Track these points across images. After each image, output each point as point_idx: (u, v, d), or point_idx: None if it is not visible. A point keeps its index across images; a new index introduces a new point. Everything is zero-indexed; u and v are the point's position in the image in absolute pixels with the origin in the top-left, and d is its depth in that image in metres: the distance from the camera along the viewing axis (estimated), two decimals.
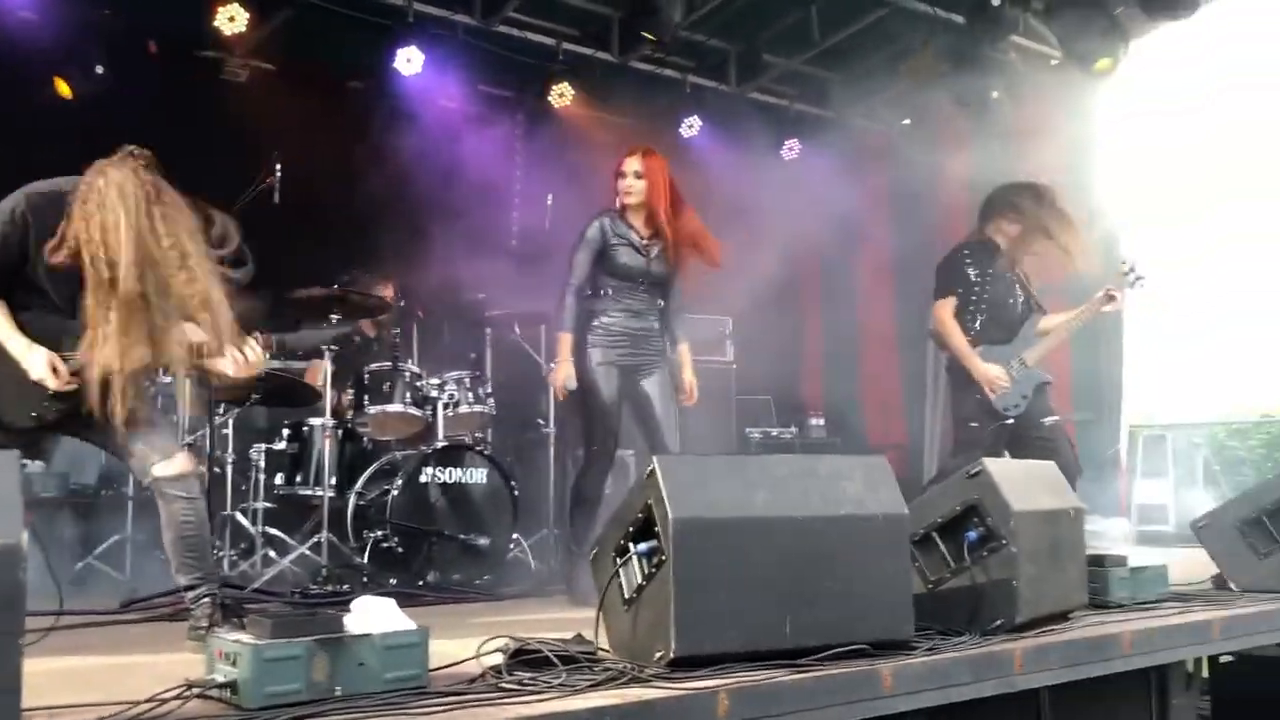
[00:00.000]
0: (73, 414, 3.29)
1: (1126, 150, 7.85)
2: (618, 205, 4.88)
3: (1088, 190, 6.64)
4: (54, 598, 3.17)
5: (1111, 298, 5.22)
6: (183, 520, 3.29)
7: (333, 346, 5.35)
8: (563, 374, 4.73)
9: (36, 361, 3.19)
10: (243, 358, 3.30)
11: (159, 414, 3.44)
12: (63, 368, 3.20)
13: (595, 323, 4.79)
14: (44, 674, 2.80)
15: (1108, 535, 6.94)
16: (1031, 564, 3.31)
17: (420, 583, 5.15)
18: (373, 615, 2.55)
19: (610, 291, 4.81)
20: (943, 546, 3.39)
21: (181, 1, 6.71)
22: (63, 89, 6.35)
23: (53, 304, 3.24)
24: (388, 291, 6.53)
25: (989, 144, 8.08)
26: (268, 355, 5.73)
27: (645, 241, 4.85)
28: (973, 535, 3.32)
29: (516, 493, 5.71)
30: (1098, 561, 3.94)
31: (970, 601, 3.28)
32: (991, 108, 7.96)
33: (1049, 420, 5.19)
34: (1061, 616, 3.54)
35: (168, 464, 3.27)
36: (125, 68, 6.55)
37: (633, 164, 4.84)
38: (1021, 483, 3.46)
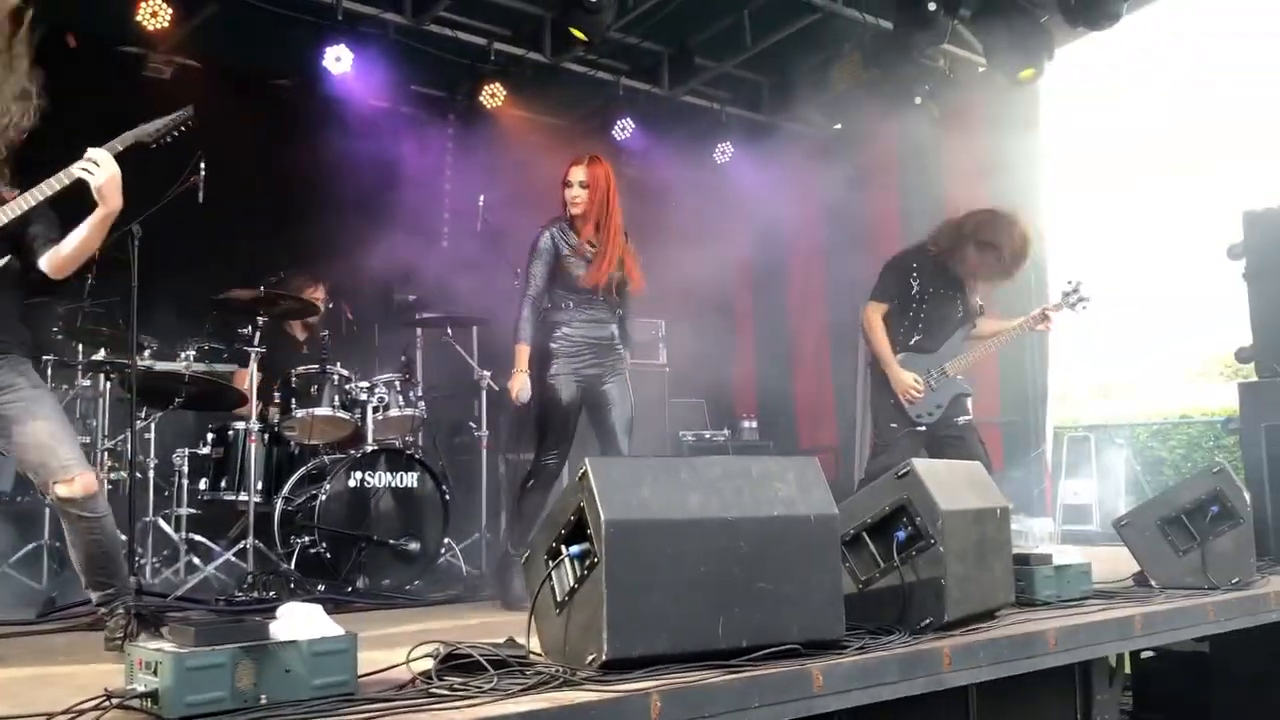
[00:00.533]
0: None
1: (1054, 157, 8.00)
2: (566, 214, 4.84)
3: (1017, 196, 6.75)
4: None
5: (1046, 318, 5.34)
6: (90, 539, 3.19)
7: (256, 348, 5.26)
8: (518, 384, 4.68)
9: None
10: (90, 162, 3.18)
11: (62, 419, 3.29)
12: None
13: (558, 333, 4.74)
14: None
15: (1033, 534, 7.07)
16: (959, 563, 3.35)
17: (349, 589, 5.08)
18: (300, 621, 2.51)
19: (571, 304, 4.77)
20: (872, 546, 3.42)
21: None
22: None
23: None
24: (317, 293, 6.44)
25: (919, 149, 8.23)
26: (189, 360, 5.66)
27: (594, 251, 4.81)
28: (901, 535, 3.35)
29: (448, 497, 5.65)
30: (1023, 560, 4.01)
31: (899, 600, 3.32)
32: (920, 113, 8.08)
33: (962, 419, 5.27)
34: (988, 615, 3.60)
35: (69, 485, 3.14)
36: (43, 60, 6.37)
37: (578, 173, 4.80)
38: (949, 483, 3.51)
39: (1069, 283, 5.46)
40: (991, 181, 6.88)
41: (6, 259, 3.20)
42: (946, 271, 5.30)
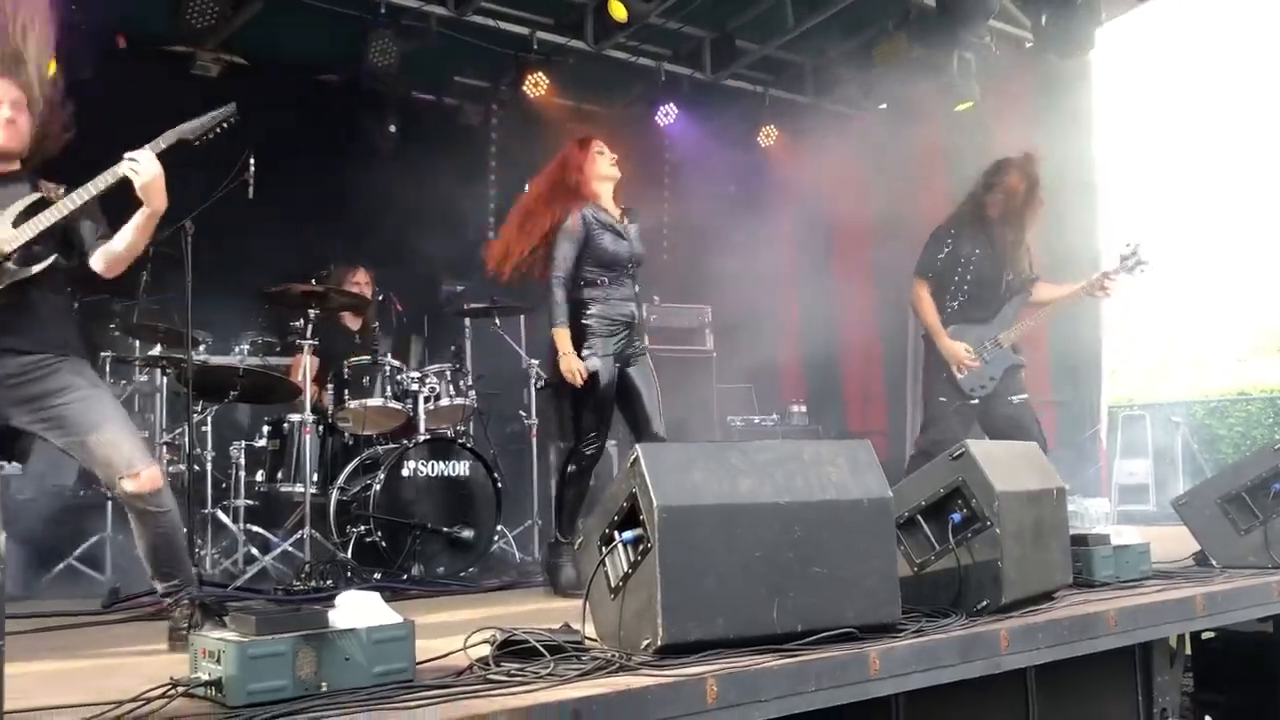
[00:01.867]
0: (32, 385, 3.19)
1: (1107, 130, 7.87)
2: (590, 189, 4.79)
3: (1066, 171, 6.65)
4: (35, 599, 3.13)
5: (1104, 286, 5.23)
6: (156, 533, 3.24)
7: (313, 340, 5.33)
8: (573, 365, 4.56)
9: None
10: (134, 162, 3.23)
11: (123, 416, 3.34)
12: None
13: (591, 311, 4.66)
14: (27, 675, 2.78)
15: (1089, 515, 6.98)
16: (1016, 544, 3.32)
17: (405, 577, 5.13)
18: (358, 609, 2.54)
19: (605, 280, 4.70)
20: (927, 529, 3.40)
21: None
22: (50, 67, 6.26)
23: None
24: (360, 280, 6.49)
25: (965, 127, 8.12)
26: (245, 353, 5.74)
27: (624, 224, 4.80)
28: (957, 517, 3.33)
29: (500, 485, 5.69)
30: (1081, 541, 3.96)
31: (956, 583, 3.30)
32: (966, 90, 7.97)
33: (1016, 398, 5.21)
34: (1046, 596, 3.56)
35: (135, 480, 3.18)
36: (93, 62, 6.47)
37: (601, 145, 4.80)
38: (1005, 464, 3.48)
39: (1127, 245, 5.31)
40: (1041, 154, 6.77)
41: (53, 258, 3.25)
42: (979, 232, 5.26)
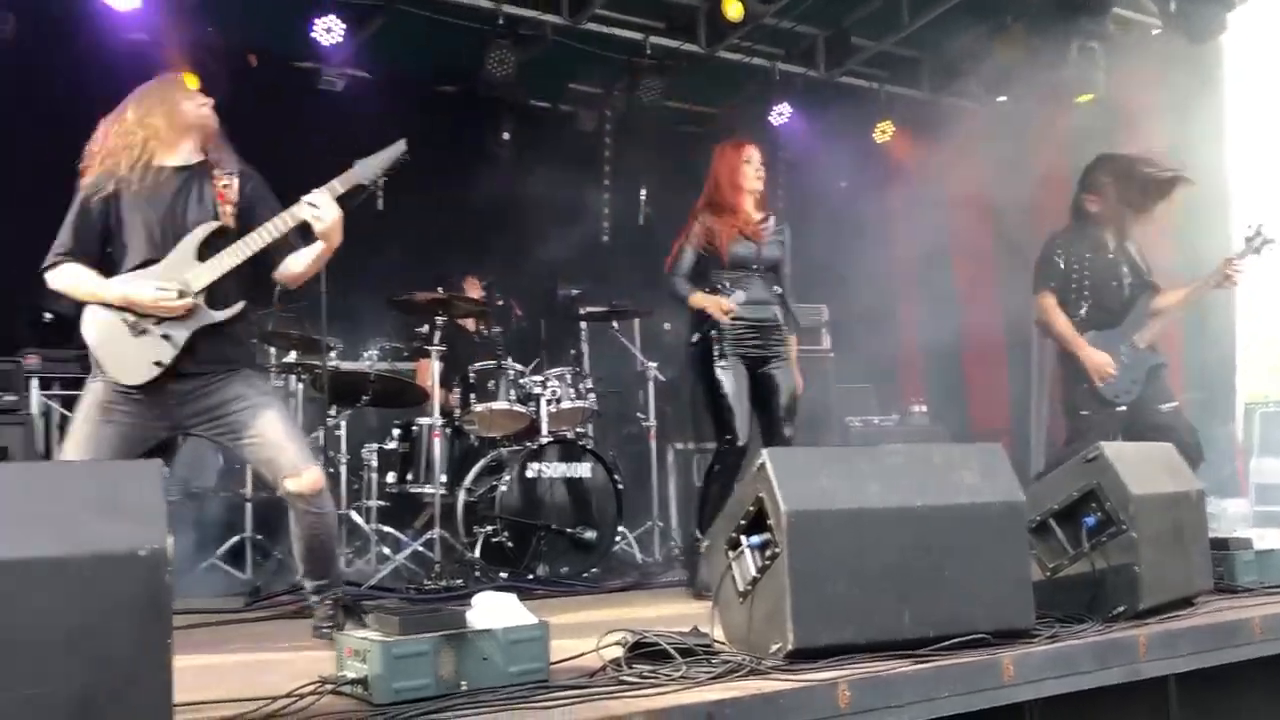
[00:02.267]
0: (206, 395, 3.37)
1: (1241, 118, 7.56)
2: (731, 197, 4.84)
3: (1197, 160, 6.41)
4: (181, 597, 3.28)
5: (1229, 275, 5.02)
6: (312, 533, 3.38)
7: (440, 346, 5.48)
8: (716, 301, 4.67)
9: (140, 289, 3.27)
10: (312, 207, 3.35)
11: (288, 420, 3.51)
12: (168, 285, 3.29)
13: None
14: (183, 670, 2.91)
15: (1227, 516, 6.72)
16: (1153, 549, 3.24)
17: (530, 577, 5.23)
18: (495, 610, 2.61)
19: (728, 283, 4.76)
20: (1060, 533, 3.34)
21: (280, 15, 6.88)
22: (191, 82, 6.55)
23: None
24: (475, 291, 6.64)
25: (1090, 118, 7.89)
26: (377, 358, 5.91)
27: (755, 227, 4.83)
28: (1091, 521, 3.27)
29: (620, 486, 5.76)
30: (1221, 545, 3.84)
31: (1090, 588, 3.23)
32: (1091, 80, 7.75)
33: (1167, 406, 5.00)
34: (1185, 602, 3.46)
35: (299, 480, 3.33)
36: (228, 81, 6.75)
37: (754, 152, 4.90)
38: (1140, 466, 3.39)
39: (1249, 227, 5.11)
40: (1171, 143, 6.54)
41: (241, 305, 3.43)
42: (1086, 235, 5.12)
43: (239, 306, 3.42)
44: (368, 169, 3.49)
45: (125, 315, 3.28)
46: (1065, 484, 3.36)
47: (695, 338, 4.80)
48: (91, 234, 3.34)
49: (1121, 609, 3.18)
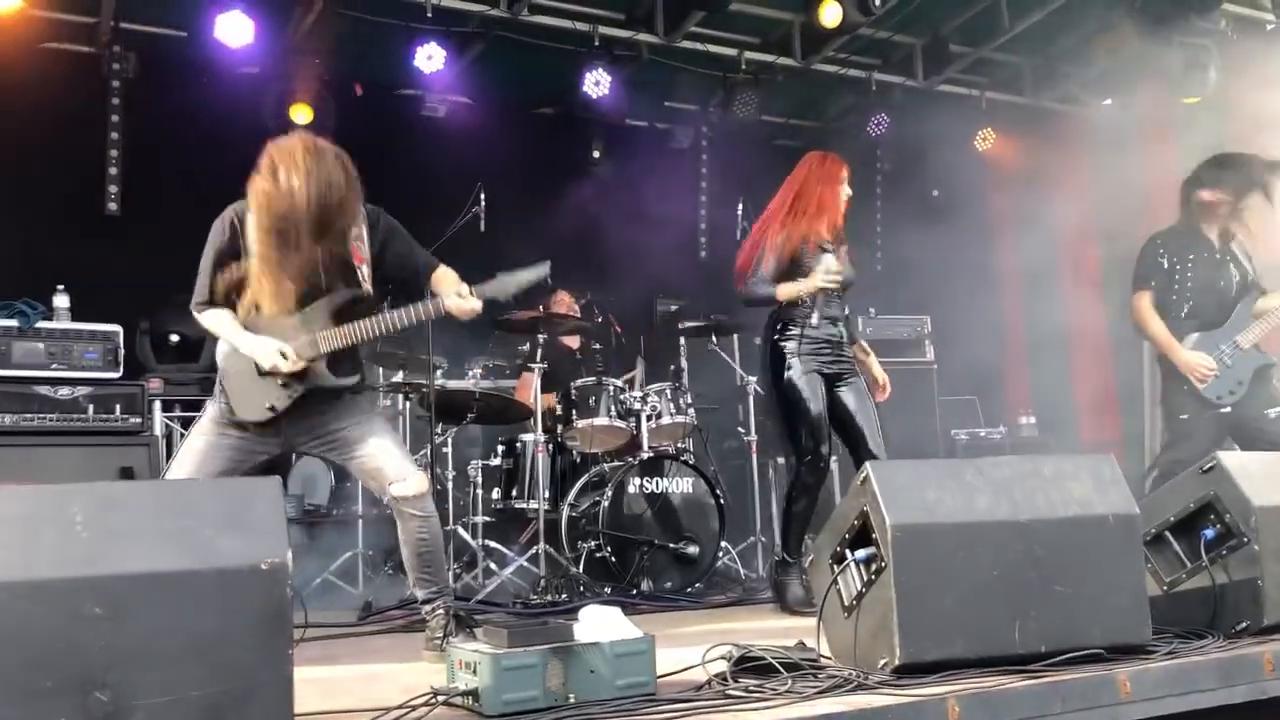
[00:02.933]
0: (315, 420, 3.51)
1: None
2: (830, 203, 4.84)
3: None
4: (298, 611, 3.38)
5: None
6: (419, 538, 3.48)
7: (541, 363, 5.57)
8: (806, 284, 4.68)
9: (266, 352, 3.42)
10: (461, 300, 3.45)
11: (392, 433, 3.64)
12: (290, 352, 3.42)
13: (796, 330, 4.74)
14: (300, 682, 3.01)
15: None
16: (1277, 562, 3.13)
17: (634, 591, 5.27)
18: (601, 623, 2.64)
19: (808, 300, 4.77)
20: (1177, 546, 3.25)
21: (384, 45, 7.08)
22: (305, 112, 6.79)
23: None
24: (566, 306, 6.71)
25: (1199, 120, 7.66)
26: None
27: (834, 246, 4.82)
28: (1210, 533, 3.18)
29: (722, 501, 5.76)
30: None
31: (1211, 603, 3.14)
32: (1201, 81, 7.52)
33: (1274, 412, 4.83)
34: None
35: (404, 485, 3.47)
36: (335, 110, 6.97)
37: (845, 174, 4.89)
38: (1261, 476, 3.28)
39: None
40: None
41: (356, 378, 3.58)
42: (1191, 235, 4.97)
43: (355, 379, 3.58)
44: (509, 284, 3.55)
45: None
46: (1181, 495, 3.27)
47: (771, 349, 4.80)
48: (227, 282, 3.49)
49: (1245, 624, 3.08)
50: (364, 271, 3.53)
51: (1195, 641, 2.99)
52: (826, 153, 4.99)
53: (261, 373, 3.44)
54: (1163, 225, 5.26)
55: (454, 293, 3.48)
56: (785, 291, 4.73)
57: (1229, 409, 4.83)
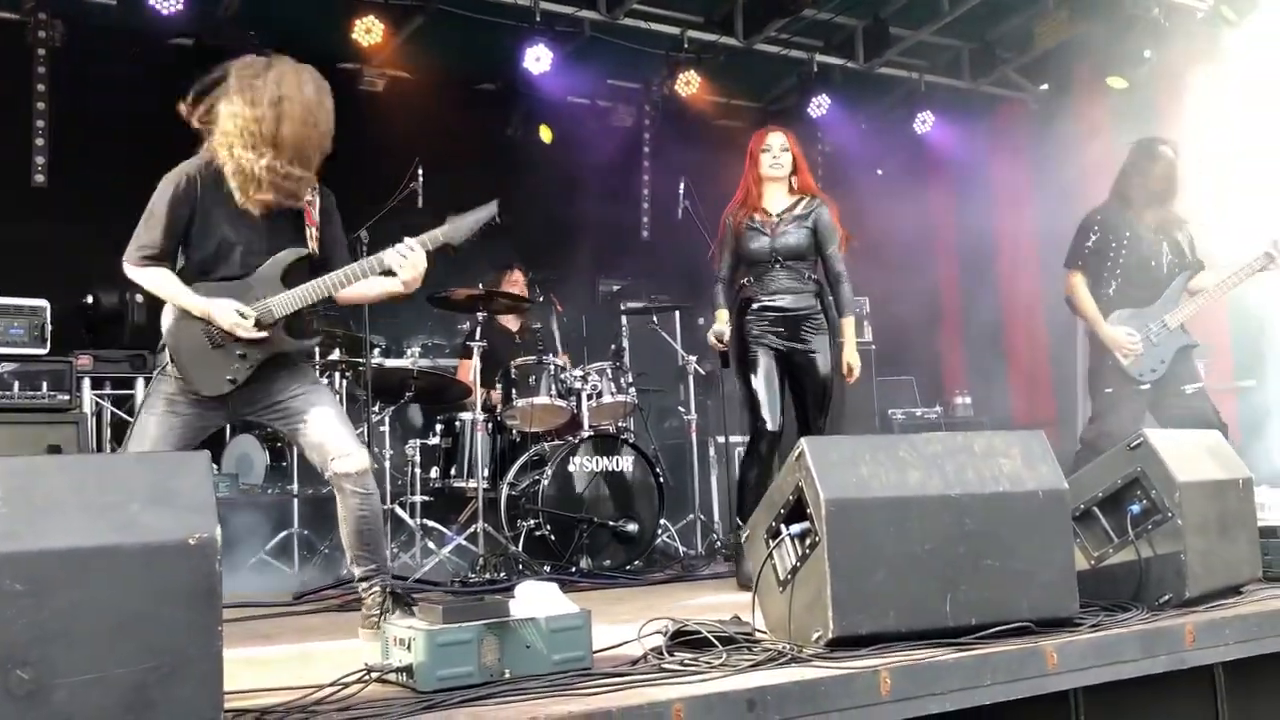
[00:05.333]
0: (262, 388, 3.43)
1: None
2: (753, 191, 4.86)
3: (1239, 144, 6.33)
4: (233, 590, 3.33)
5: (1270, 258, 4.94)
6: (359, 515, 3.43)
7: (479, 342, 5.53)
8: (714, 331, 4.82)
9: (223, 309, 3.31)
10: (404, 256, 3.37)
11: (338, 407, 3.58)
12: (249, 312, 3.32)
13: (750, 306, 4.80)
14: (233, 661, 2.96)
15: (1277, 505, 6.60)
16: (1200, 537, 3.21)
17: (573, 569, 5.27)
18: (537, 599, 2.64)
19: (753, 279, 4.81)
20: (1105, 521, 3.31)
21: (320, 18, 6.96)
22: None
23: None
24: (519, 284, 6.68)
25: (1133, 105, 7.79)
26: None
27: (773, 218, 4.82)
28: (1136, 509, 3.24)
29: (662, 479, 5.78)
30: (1271, 533, 3.78)
31: (1136, 577, 3.21)
32: (1134, 65, 7.65)
33: (1191, 388, 4.96)
34: (1233, 591, 3.42)
35: (346, 461, 3.40)
36: None
37: (776, 138, 4.87)
38: (1186, 453, 3.36)
39: None
40: (1214, 130, 6.45)
41: (317, 339, 3.49)
42: (1125, 215, 5.07)
43: (315, 340, 3.54)
44: (458, 230, 3.50)
45: (207, 327, 3.34)
46: (1109, 471, 3.33)
47: (735, 324, 4.86)
48: (177, 231, 3.34)
49: (1168, 597, 3.15)
50: (312, 233, 3.46)
51: (1120, 614, 3.05)
52: (757, 132, 5.01)
53: (215, 344, 3.33)
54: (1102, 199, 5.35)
55: (395, 249, 3.38)
56: (720, 313, 4.87)
57: (1148, 385, 4.95)
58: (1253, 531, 3.58)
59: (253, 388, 3.42)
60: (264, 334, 3.34)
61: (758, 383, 4.73)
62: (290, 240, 3.43)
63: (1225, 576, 3.37)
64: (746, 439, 4.88)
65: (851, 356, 4.88)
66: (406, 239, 3.40)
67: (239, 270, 3.37)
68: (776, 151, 4.85)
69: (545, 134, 8.04)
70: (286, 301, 3.38)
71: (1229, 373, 7.50)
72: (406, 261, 3.37)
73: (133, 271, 3.37)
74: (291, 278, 3.41)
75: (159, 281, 3.35)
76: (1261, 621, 3.16)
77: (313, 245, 3.46)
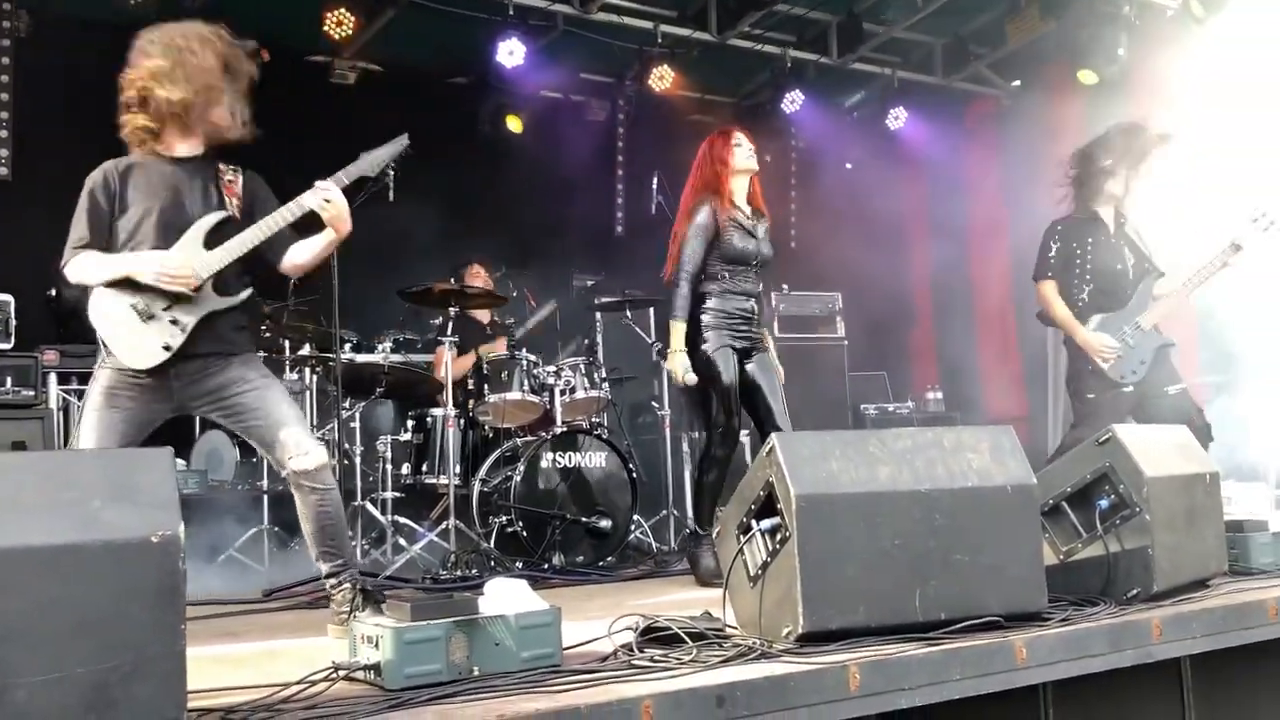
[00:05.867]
0: (211, 377, 3.38)
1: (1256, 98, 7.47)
2: (728, 183, 4.83)
3: (1210, 142, 6.37)
4: (201, 588, 3.29)
5: (1237, 248, 4.97)
6: (320, 511, 3.40)
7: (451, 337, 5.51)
8: (680, 365, 4.66)
9: (145, 262, 3.28)
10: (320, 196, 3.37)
11: (292, 403, 3.53)
12: (173, 261, 3.29)
13: (708, 305, 4.74)
14: (199, 657, 2.94)
15: (1245, 500, 6.66)
16: (1167, 531, 3.23)
17: (546, 566, 5.25)
18: (506, 596, 2.62)
19: (726, 275, 4.77)
20: (1073, 516, 3.33)
21: (292, 10, 6.89)
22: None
23: None
24: (480, 278, 6.66)
25: (1104, 102, 7.84)
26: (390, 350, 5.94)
27: (753, 222, 4.83)
28: (1104, 503, 3.26)
29: (635, 475, 5.77)
30: (1237, 527, 3.82)
31: (1104, 571, 3.22)
32: (1105, 63, 7.70)
33: (1174, 389, 4.98)
34: (1200, 585, 3.45)
35: (304, 459, 3.36)
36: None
37: (742, 136, 4.86)
38: (1153, 448, 3.38)
39: (1255, 208, 5.06)
40: (1183, 126, 6.48)
41: (249, 291, 3.45)
42: (1087, 219, 5.10)
43: (247, 293, 3.45)
44: (372, 161, 3.57)
45: (134, 301, 3.30)
46: (1078, 467, 3.35)
47: (690, 322, 4.77)
48: (102, 224, 3.36)
49: (1136, 591, 3.17)
50: (233, 203, 3.44)
51: (1089, 608, 3.07)
52: (719, 131, 4.96)
53: (145, 317, 3.29)
54: (1064, 210, 5.38)
55: (312, 192, 3.37)
56: (675, 329, 4.69)
57: (1131, 388, 4.97)
58: (1219, 526, 3.61)
59: (199, 375, 3.36)
60: (191, 287, 3.29)
61: (729, 383, 4.69)
62: (211, 209, 3.41)
63: (1192, 571, 3.39)
64: (706, 439, 4.80)
65: (776, 364, 4.94)
66: (319, 181, 3.40)
67: (161, 242, 3.34)
68: (748, 147, 4.85)
69: (514, 124, 8.01)
70: (210, 261, 3.34)
71: (1196, 368, 7.56)
72: (329, 203, 3.37)
73: (68, 271, 3.36)
74: (214, 243, 3.38)
75: (84, 263, 3.33)
76: (1227, 615, 3.19)
77: (234, 209, 3.43)
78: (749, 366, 4.78)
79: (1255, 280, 6.19)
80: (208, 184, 3.43)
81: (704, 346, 4.70)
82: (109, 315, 3.32)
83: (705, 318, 4.73)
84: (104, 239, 3.35)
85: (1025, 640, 2.75)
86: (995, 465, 2.95)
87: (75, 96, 6.39)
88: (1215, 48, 7.50)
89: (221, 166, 3.48)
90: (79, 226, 3.35)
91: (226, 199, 3.43)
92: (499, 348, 6.12)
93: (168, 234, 3.35)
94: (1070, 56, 7.72)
